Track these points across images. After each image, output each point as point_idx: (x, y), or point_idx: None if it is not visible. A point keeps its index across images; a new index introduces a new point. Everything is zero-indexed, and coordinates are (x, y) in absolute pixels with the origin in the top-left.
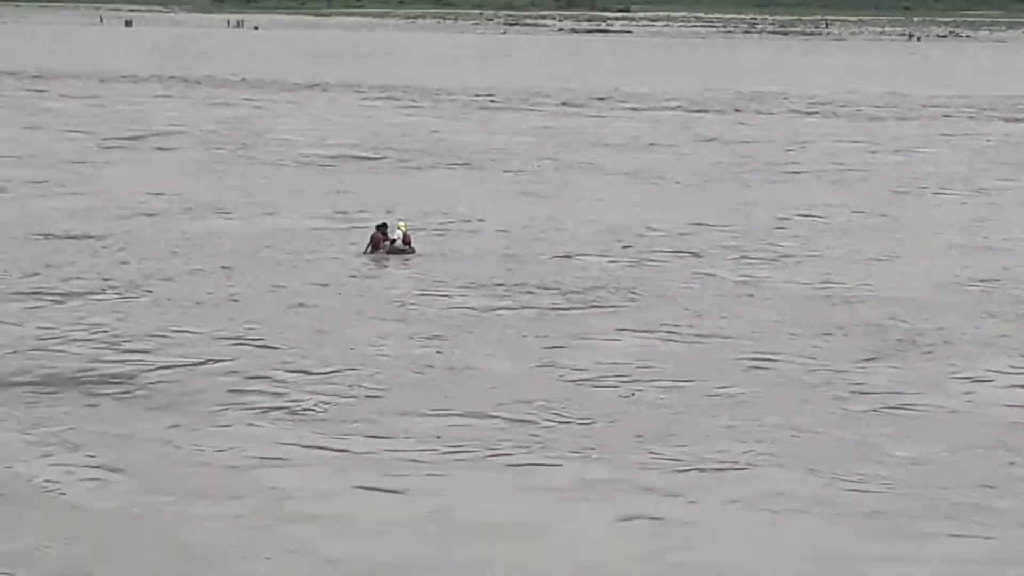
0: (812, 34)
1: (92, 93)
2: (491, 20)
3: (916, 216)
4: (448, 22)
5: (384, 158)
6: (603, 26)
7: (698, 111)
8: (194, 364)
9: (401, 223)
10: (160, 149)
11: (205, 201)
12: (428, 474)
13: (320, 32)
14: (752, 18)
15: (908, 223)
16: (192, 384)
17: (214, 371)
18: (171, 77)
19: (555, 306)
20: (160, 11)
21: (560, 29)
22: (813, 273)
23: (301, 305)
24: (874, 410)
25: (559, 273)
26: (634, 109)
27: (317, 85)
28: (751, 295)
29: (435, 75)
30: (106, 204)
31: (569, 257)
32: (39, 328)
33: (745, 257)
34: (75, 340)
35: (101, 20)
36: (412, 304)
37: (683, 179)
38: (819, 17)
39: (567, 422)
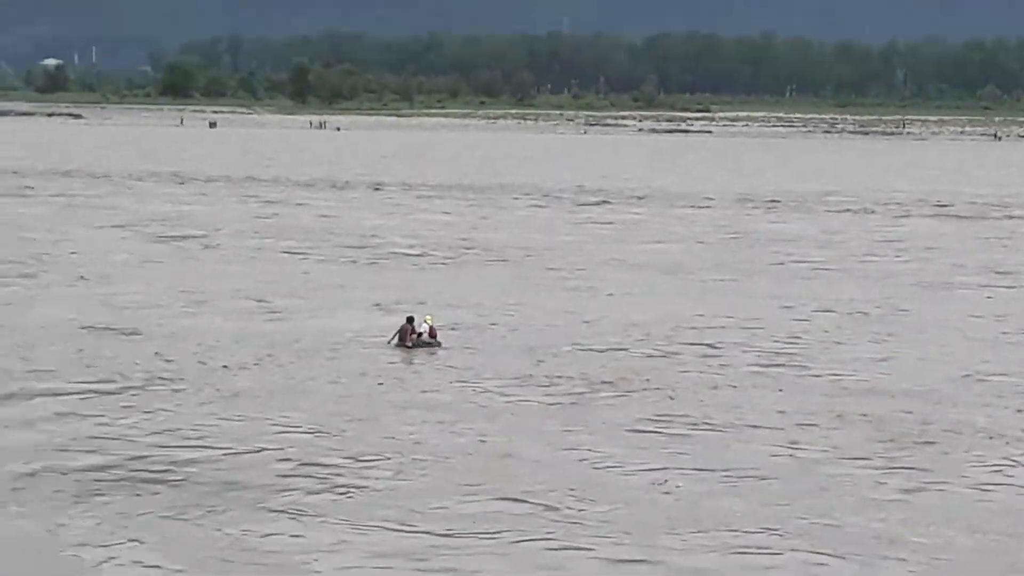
0: (892, 134)
1: (144, 192)
2: (571, 120)
3: (937, 311)
4: (529, 122)
5: (424, 254)
6: (683, 126)
7: (754, 209)
8: (239, 453)
9: (428, 317)
10: (208, 247)
11: (249, 294)
12: (465, 555)
13: (399, 133)
14: (832, 118)
15: (928, 317)
16: (238, 473)
17: (259, 460)
18: (238, 178)
19: (579, 395)
20: (244, 112)
21: (640, 129)
22: (830, 365)
23: (340, 396)
24: (892, 499)
25: (583, 364)
26: (677, 207)
27: (378, 184)
28: (772, 387)
29: (494, 174)
30: (147, 299)
31: (593, 349)
32: (92, 420)
33: (766, 350)
34: (125, 432)
35: (181, 122)
36: (441, 394)
37: (714, 274)
38: (899, 117)
39: (597, 507)
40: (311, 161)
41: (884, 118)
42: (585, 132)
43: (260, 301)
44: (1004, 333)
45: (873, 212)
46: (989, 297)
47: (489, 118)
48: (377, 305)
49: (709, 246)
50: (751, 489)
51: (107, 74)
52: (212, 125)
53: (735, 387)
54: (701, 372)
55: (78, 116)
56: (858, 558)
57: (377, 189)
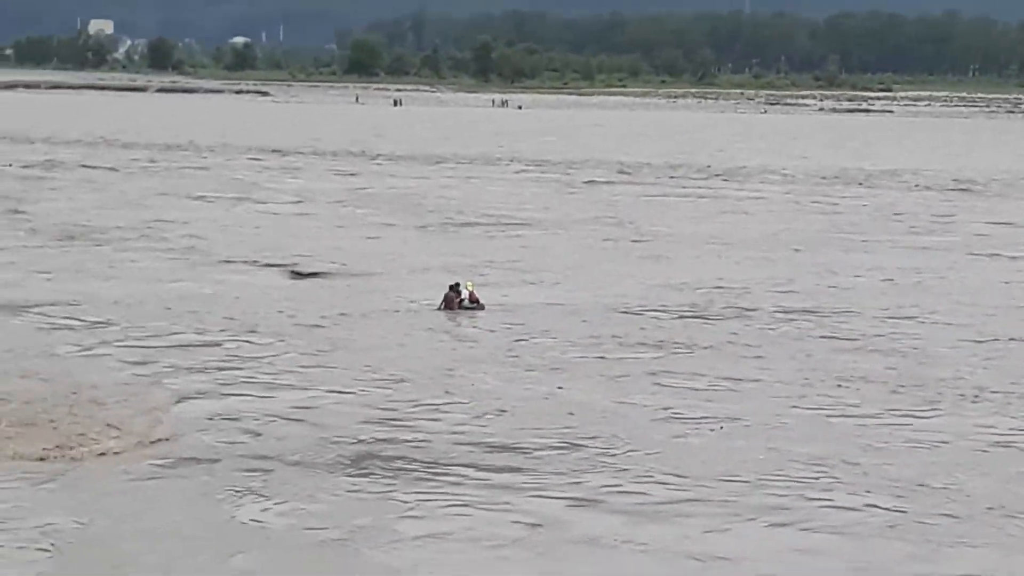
0: None
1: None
2: (751, 100)
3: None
4: (709, 101)
5: (518, 223)
6: (864, 105)
7: (926, 191)
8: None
9: (468, 283)
10: (302, 213)
11: (337, 258)
12: (540, 491)
13: (578, 111)
14: (1016, 98)
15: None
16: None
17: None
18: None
19: (631, 352)
20: (427, 91)
21: (821, 108)
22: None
23: (390, 356)
24: (932, 445)
25: (637, 325)
26: (766, 183)
27: (504, 159)
28: (824, 349)
29: (635, 151)
30: (214, 259)
31: (651, 312)
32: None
33: (812, 312)
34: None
35: (357, 99)
36: (500, 351)
37: (775, 245)
38: None
39: (654, 446)
40: (494, 137)
41: None
42: (765, 111)
43: (333, 262)
44: None
45: None
46: None
47: (670, 97)
48: (444, 271)
49: (786, 217)
50: (800, 438)
51: (294, 52)
52: (396, 103)
53: (781, 346)
54: (734, 333)
55: (265, 94)
56: (893, 497)
57: (505, 163)
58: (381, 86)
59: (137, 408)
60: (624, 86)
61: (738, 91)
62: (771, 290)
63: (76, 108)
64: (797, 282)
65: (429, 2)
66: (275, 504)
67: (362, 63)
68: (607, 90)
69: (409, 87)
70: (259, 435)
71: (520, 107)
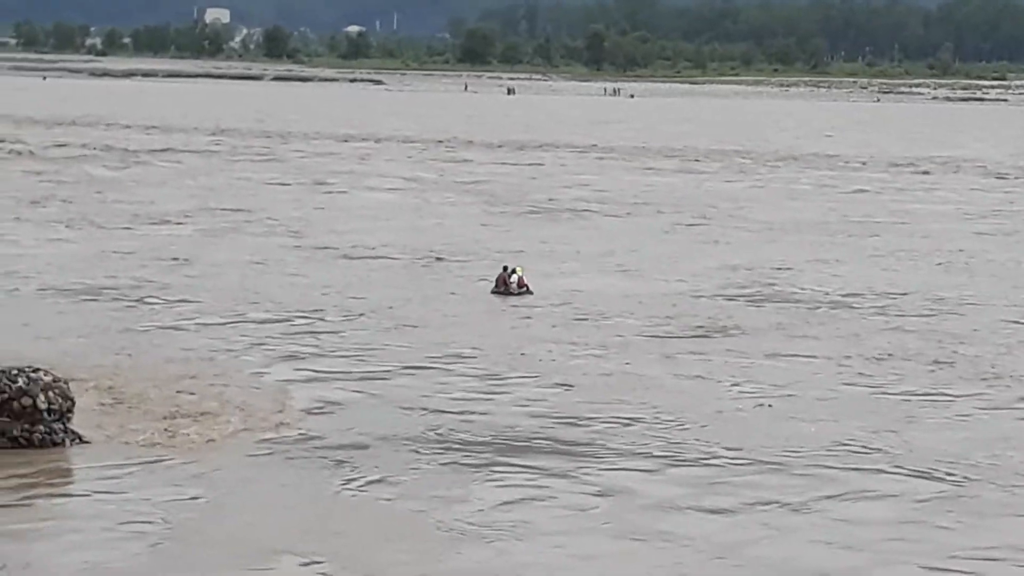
0: None
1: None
2: (864, 88)
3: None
4: (822, 90)
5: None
6: (978, 94)
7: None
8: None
9: (518, 268)
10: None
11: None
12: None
13: (689, 100)
14: None
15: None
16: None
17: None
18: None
19: (684, 333)
20: (539, 79)
21: (934, 97)
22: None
23: (458, 335)
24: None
25: (689, 307)
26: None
27: (590, 146)
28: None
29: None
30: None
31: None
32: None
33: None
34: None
35: (465, 88)
36: (556, 331)
37: (823, 230)
38: None
39: (708, 418)
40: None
41: None
42: (878, 100)
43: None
44: None
45: None
46: None
47: (782, 86)
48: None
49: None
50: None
51: (408, 41)
52: (510, 92)
53: (825, 326)
54: (771, 315)
55: (379, 82)
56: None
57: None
58: (494, 74)
59: (237, 392)
60: (736, 75)
61: (851, 80)
62: (824, 273)
63: (214, 97)
64: (848, 264)
65: None
66: (372, 479)
67: (475, 52)
68: (719, 79)
69: (522, 76)
70: (351, 415)
71: (632, 96)
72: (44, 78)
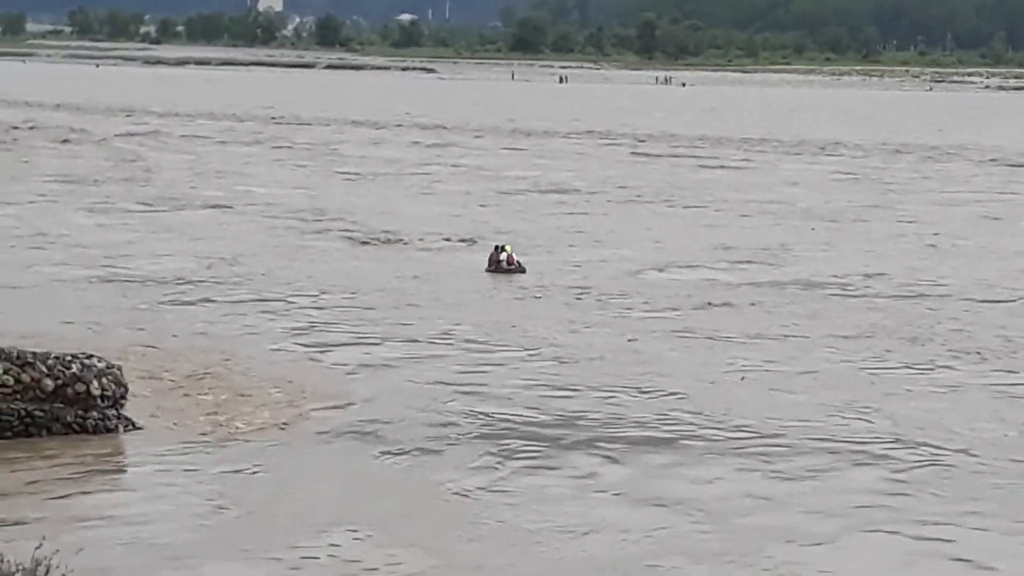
0: None
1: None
2: (917, 77)
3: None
4: (874, 79)
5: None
6: None
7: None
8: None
9: (507, 247)
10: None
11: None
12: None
13: (741, 88)
14: None
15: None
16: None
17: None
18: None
19: (681, 312)
20: (590, 68)
21: (987, 87)
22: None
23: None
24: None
25: (678, 288)
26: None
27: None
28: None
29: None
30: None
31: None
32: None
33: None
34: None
35: (512, 76)
36: (554, 309)
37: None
38: None
39: (696, 389)
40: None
41: None
42: (931, 89)
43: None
44: None
45: None
46: None
47: (834, 74)
48: (480, 236)
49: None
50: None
51: (459, 29)
52: (562, 80)
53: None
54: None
55: (431, 71)
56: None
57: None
58: (545, 63)
59: (278, 374)
60: (788, 63)
61: (903, 68)
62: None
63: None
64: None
65: None
66: (415, 455)
67: (527, 40)
68: (771, 67)
69: (573, 64)
70: (393, 395)
71: (683, 84)
72: (97, 66)
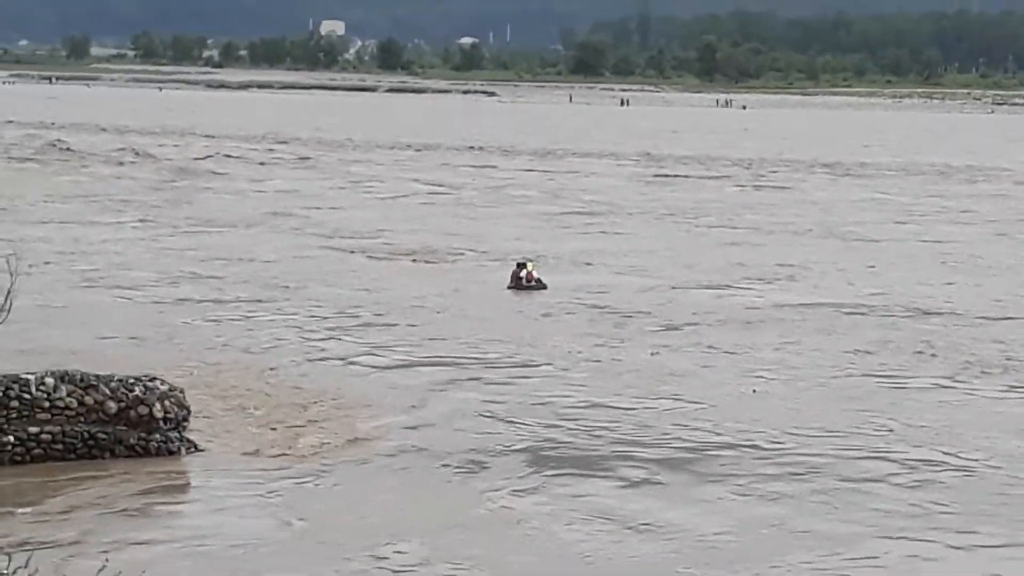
0: None
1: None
2: (978, 100)
3: None
4: (935, 101)
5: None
6: None
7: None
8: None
9: (530, 263)
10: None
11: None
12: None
13: (800, 112)
14: None
15: None
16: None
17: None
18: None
19: (687, 326)
20: (651, 91)
21: None
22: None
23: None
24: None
25: (691, 301)
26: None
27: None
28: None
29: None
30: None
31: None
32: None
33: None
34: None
35: (570, 99)
36: (571, 323)
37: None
38: None
39: (711, 400)
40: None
41: None
42: (992, 112)
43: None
44: None
45: None
46: None
47: (895, 97)
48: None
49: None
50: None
51: (520, 52)
52: (623, 103)
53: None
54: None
55: (491, 94)
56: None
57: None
58: (606, 86)
59: (333, 391)
60: (849, 86)
61: (964, 91)
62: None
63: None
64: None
65: (654, 2)
66: (471, 476)
67: (587, 63)
68: (832, 90)
69: (634, 87)
70: (449, 416)
71: (744, 107)
72: (160, 89)
